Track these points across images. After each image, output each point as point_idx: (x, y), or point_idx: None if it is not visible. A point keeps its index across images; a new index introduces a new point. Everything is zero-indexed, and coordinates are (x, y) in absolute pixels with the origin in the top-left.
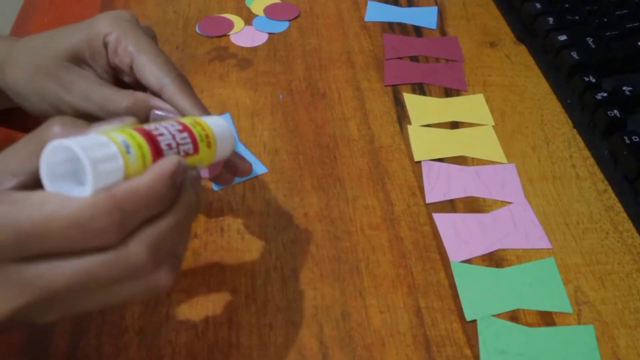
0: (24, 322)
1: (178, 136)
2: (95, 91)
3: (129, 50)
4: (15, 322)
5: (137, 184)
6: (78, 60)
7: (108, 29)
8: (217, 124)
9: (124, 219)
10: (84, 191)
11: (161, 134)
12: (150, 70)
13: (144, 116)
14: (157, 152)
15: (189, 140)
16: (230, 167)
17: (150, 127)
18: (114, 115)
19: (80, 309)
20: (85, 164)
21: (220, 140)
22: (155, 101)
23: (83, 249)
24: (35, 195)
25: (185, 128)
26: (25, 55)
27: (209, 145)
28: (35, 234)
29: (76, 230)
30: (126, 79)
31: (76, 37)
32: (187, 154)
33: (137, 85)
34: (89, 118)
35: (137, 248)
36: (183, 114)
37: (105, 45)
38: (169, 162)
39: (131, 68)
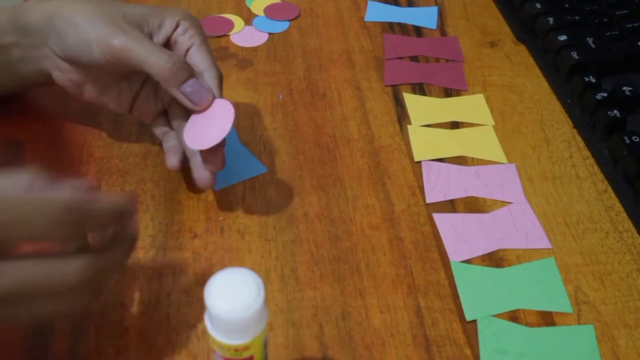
0: None
1: None
2: (149, 40)
3: (194, 39)
4: None
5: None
6: (146, 23)
7: (184, 16)
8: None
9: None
10: None
11: None
12: (204, 59)
13: (184, 77)
14: None
15: None
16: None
17: None
18: (161, 66)
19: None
20: None
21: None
22: (196, 73)
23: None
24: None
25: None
26: (92, 1)
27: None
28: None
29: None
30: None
31: (151, 9)
32: None
33: None
34: (132, 66)
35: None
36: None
37: (177, 25)
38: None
39: (187, 49)
